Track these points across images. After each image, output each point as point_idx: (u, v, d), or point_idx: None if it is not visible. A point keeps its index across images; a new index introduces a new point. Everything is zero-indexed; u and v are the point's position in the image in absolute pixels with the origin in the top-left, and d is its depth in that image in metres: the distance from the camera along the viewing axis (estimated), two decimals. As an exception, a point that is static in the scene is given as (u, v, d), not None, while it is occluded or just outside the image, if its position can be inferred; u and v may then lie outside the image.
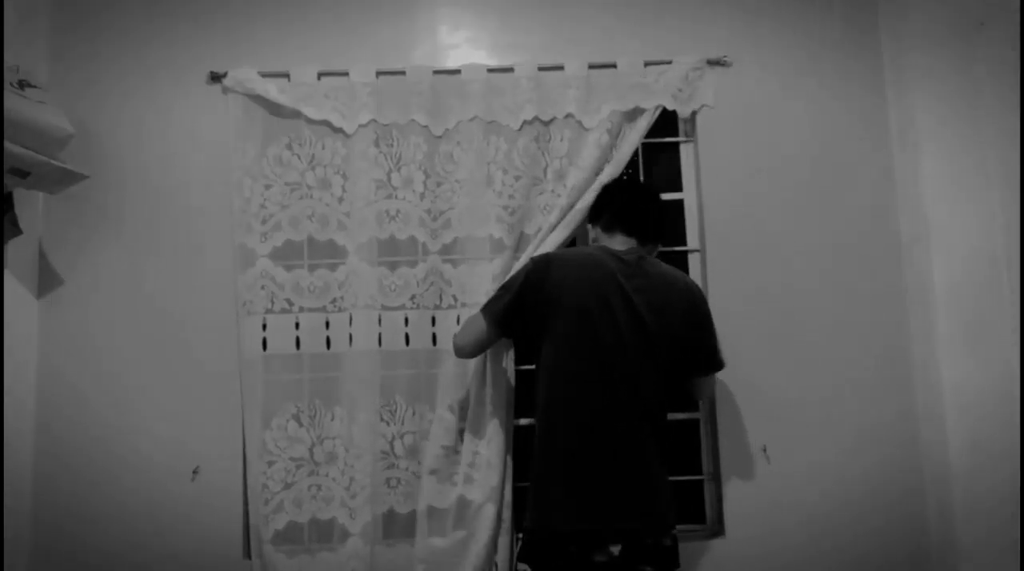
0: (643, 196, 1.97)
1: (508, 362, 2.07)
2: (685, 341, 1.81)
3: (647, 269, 1.83)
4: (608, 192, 2.00)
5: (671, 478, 1.81)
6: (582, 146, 2.14)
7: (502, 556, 1.99)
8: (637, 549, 1.70)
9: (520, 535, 1.84)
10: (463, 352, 1.90)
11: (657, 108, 2.16)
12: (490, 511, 1.98)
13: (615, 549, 1.68)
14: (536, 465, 1.77)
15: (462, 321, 2.01)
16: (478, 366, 2.05)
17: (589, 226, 1.99)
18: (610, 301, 1.75)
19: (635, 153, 2.24)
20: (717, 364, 1.91)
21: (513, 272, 2.01)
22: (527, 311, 1.80)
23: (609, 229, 1.91)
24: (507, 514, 2.01)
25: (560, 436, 1.74)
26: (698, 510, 2.22)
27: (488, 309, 1.85)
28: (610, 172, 2.12)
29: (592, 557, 1.68)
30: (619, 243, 1.88)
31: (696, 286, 1.92)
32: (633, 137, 2.15)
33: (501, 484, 2.00)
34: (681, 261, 2.26)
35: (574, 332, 1.75)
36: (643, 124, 2.16)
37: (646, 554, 1.71)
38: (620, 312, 1.74)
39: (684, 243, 2.27)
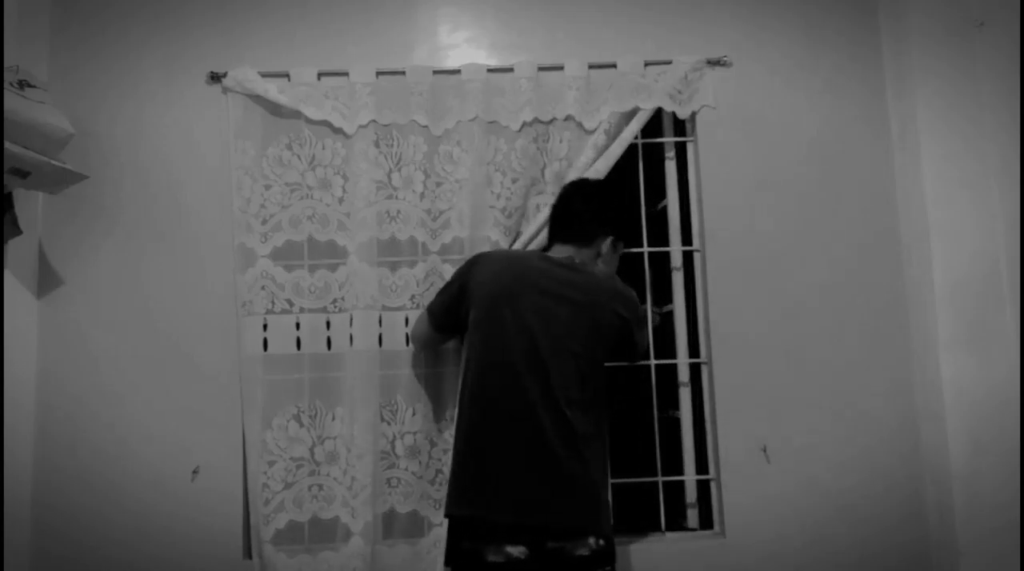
0: (573, 199, 1.92)
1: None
2: (607, 341, 1.80)
3: (571, 272, 1.81)
4: (560, 201, 1.97)
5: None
6: (582, 148, 2.14)
7: None
8: (543, 555, 1.61)
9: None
10: (415, 346, 2.04)
11: (654, 108, 2.16)
12: None
13: (515, 550, 1.60)
14: (454, 460, 1.78)
15: None
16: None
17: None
18: (522, 296, 1.75)
19: (636, 154, 2.24)
20: (638, 357, 2.03)
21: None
22: (458, 308, 1.84)
23: (552, 238, 1.94)
24: None
25: (464, 425, 1.74)
26: (699, 511, 2.23)
27: (430, 309, 1.93)
28: (599, 168, 2.12)
29: (485, 555, 1.61)
30: (558, 252, 1.89)
31: (627, 291, 1.87)
32: (626, 135, 2.15)
33: None
34: (682, 261, 2.27)
35: (484, 324, 1.77)
36: (635, 124, 2.16)
37: (555, 563, 1.62)
38: (532, 307, 1.73)
39: (687, 243, 2.27)
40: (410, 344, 2.07)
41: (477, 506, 1.66)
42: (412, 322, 2.04)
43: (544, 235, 2.08)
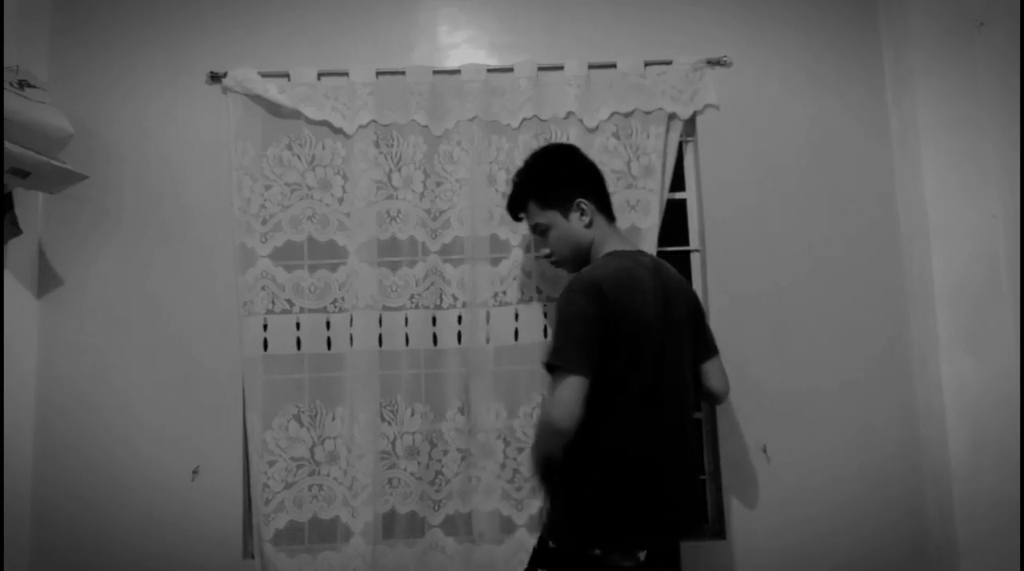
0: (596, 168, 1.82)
1: None
2: (696, 337, 1.77)
3: (665, 272, 1.74)
4: (575, 163, 1.80)
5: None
6: (588, 147, 2.12)
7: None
8: (657, 553, 1.64)
9: (546, 542, 1.66)
10: (574, 421, 1.52)
11: (696, 112, 2.19)
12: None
13: (642, 554, 1.59)
14: (597, 486, 1.59)
15: (550, 381, 1.59)
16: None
17: (581, 201, 1.72)
18: (656, 316, 1.62)
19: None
20: (716, 346, 1.87)
21: (561, 311, 1.62)
22: (600, 345, 1.57)
23: (609, 216, 1.77)
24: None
25: (618, 450, 1.59)
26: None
27: (573, 362, 1.53)
28: (651, 187, 2.13)
29: (620, 562, 1.57)
30: (619, 238, 1.78)
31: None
32: (672, 148, 2.17)
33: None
34: (682, 261, 2.26)
35: (639, 353, 1.60)
36: (673, 133, 2.17)
37: (661, 554, 1.66)
38: (665, 324, 1.64)
39: (685, 243, 2.27)
40: (543, 426, 1.62)
41: (650, 532, 1.61)
42: (554, 404, 1.54)
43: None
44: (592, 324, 1.55)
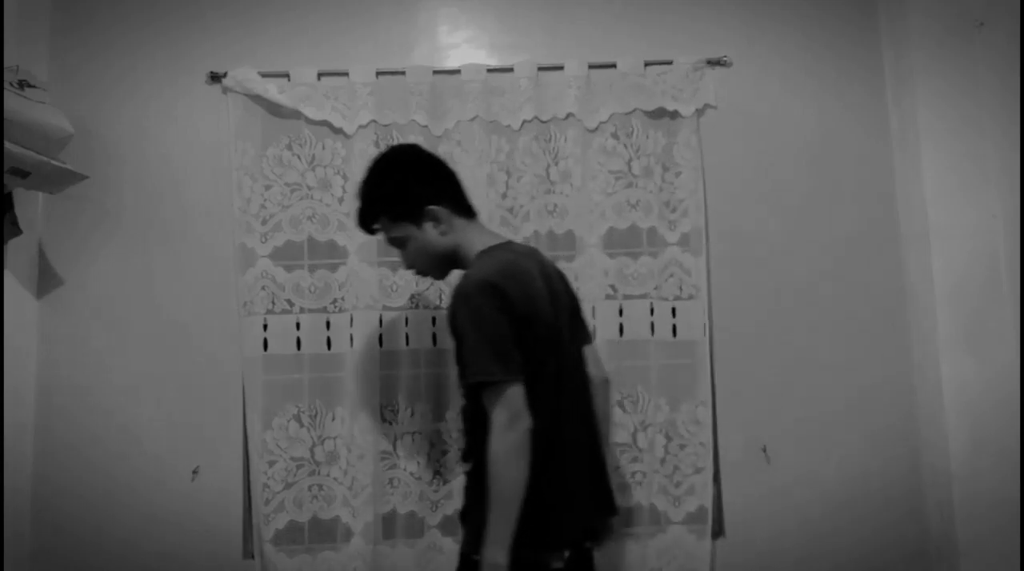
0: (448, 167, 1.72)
1: None
2: (575, 323, 1.73)
3: (541, 258, 1.71)
4: (420, 168, 1.68)
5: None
6: (587, 147, 2.14)
7: None
8: (579, 554, 1.59)
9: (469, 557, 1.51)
10: (529, 420, 1.45)
11: (698, 112, 2.18)
12: None
13: (567, 553, 1.53)
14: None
15: (494, 424, 1.44)
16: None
17: (432, 209, 1.61)
18: (550, 310, 1.58)
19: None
20: (589, 334, 1.81)
21: (466, 320, 1.49)
22: (516, 345, 1.49)
23: (468, 214, 1.67)
24: None
25: (554, 448, 1.51)
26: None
27: (507, 371, 1.45)
28: (656, 186, 2.15)
29: (549, 563, 1.49)
30: (486, 234, 1.69)
31: None
32: (686, 147, 2.17)
33: None
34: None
35: (548, 349, 1.55)
36: (687, 131, 2.17)
37: (579, 550, 1.60)
38: (557, 310, 1.60)
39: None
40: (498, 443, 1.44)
41: (576, 527, 1.57)
42: (498, 425, 1.43)
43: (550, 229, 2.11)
44: (503, 324, 1.46)
